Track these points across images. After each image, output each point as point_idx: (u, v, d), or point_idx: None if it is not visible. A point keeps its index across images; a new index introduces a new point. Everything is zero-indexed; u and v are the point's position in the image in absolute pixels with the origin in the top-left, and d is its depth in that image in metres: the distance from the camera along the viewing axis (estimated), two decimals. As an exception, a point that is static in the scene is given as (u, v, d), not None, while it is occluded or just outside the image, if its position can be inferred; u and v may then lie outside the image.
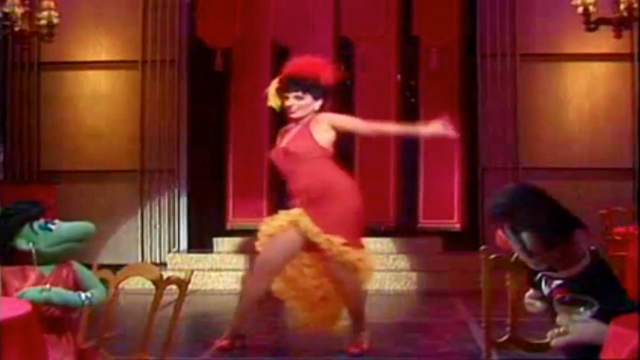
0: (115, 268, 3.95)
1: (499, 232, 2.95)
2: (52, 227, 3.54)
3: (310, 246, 5.76)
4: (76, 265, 3.64)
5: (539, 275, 3.03)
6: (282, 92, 5.76)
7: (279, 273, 5.79)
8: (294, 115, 5.70)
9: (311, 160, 5.71)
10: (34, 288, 3.44)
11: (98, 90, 10.31)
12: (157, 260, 9.79)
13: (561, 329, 2.60)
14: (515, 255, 3.69)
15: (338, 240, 5.68)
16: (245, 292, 6.01)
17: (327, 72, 5.86)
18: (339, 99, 10.42)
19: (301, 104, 5.66)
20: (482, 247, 3.96)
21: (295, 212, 5.75)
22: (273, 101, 5.84)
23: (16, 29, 9.11)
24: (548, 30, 9.73)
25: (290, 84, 5.68)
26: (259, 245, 5.82)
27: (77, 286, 3.59)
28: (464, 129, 10.09)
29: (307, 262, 5.85)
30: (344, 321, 6.03)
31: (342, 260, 5.71)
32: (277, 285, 5.85)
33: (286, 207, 10.29)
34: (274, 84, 5.91)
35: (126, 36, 10.26)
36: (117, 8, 10.23)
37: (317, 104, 5.73)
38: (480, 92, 9.89)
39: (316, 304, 5.91)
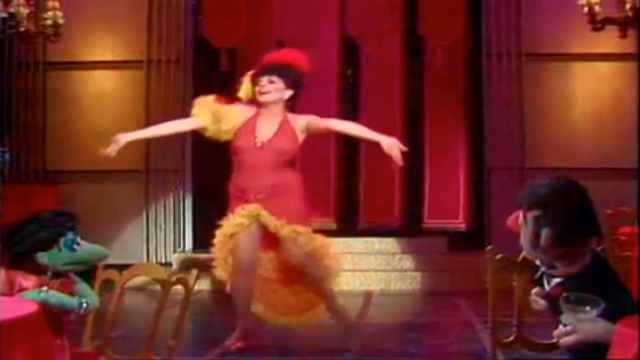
0: (121, 268, 3.96)
1: (518, 215, 2.94)
2: (77, 248, 3.58)
3: (268, 244, 5.74)
4: (71, 274, 3.67)
5: (540, 272, 3.03)
6: (256, 78, 5.72)
7: (255, 268, 5.76)
8: (263, 97, 5.66)
9: (289, 158, 5.78)
10: (33, 288, 3.46)
11: (103, 90, 10.32)
12: (163, 260, 9.80)
13: (568, 328, 2.59)
14: (522, 255, 3.69)
15: (303, 228, 5.70)
16: (234, 295, 5.96)
17: (301, 62, 5.86)
18: (345, 98, 10.48)
19: (273, 87, 5.65)
20: (488, 247, 3.95)
21: (253, 207, 5.69)
22: (244, 90, 5.82)
23: (22, 29, 9.11)
24: (554, 29, 9.72)
25: (265, 69, 5.70)
26: (217, 244, 5.77)
27: (73, 294, 3.62)
28: (470, 128, 10.13)
29: (268, 266, 5.83)
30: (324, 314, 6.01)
31: (310, 248, 5.70)
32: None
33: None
34: (249, 74, 5.90)
35: (131, 36, 10.26)
36: (123, 8, 10.23)
37: (288, 92, 5.74)
38: (486, 92, 9.88)
39: (288, 306, 5.90)
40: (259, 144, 5.67)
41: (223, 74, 10.18)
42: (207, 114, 5.82)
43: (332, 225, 10.11)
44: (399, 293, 8.93)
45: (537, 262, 3.03)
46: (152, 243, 10.04)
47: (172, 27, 10.16)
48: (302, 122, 5.76)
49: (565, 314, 2.60)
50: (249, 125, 5.74)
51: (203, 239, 10.15)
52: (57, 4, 9.22)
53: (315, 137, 10.06)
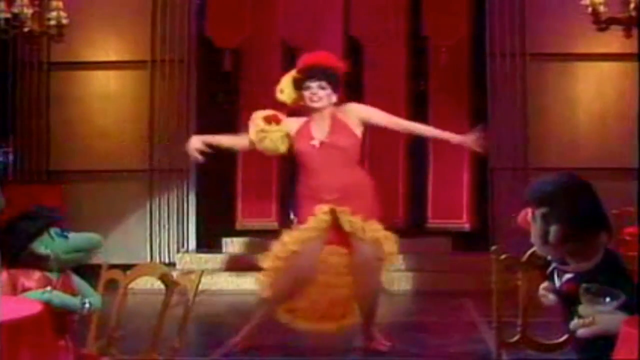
0: (124, 268, 3.96)
1: (527, 212, 2.95)
2: (67, 234, 3.60)
3: (340, 244, 5.69)
4: (72, 275, 3.68)
5: (552, 267, 3.03)
6: (301, 82, 5.67)
7: (299, 292, 5.76)
8: (316, 104, 5.63)
9: (353, 155, 5.72)
10: (36, 288, 3.47)
11: (107, 90, 10.32)
12: (166, 260, 9.80)
13: (587, 320, 2.58)
14: (526, 254, 3.69)
15: (384, 232, 5.82)
16: (266, 303, 5.93)
17: (342, 65, 5.87)
18: (348, 99, 10.46)
19: (325, 93, 5.62)
20: (493, 247, 3.96)
21: (328, 209, 5.65)
22: (287, 94, 5.77)
23: (25, 29, 9.11)
24: (558, 29, 9.70)
25: (313, 73, 5.63)
26: (277, 253, 5.74)
27: (74, 294, 3.63)
28: (473, 128, 10.10)
29: (330, 270, 5.81)
30: (353, 319, 6.00)
31: (382, 254, 5.74)
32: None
33: (294, 208, 10.49)
34: (290, 75, 5.84)
35: (135, 36, 10.26)
36: (127, 8, 10.23)
37: (335, 96, 5.70)
38: (490, 92, 9.87)
39: (329, 311, 5.88)
40: (317, 145, 5.65)
41: (227, 74, 10.18)
42: (253, 130, 5.83)
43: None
44: (402, 293, 8.91)
45: (549, 257, 3.04)
46: (156, 243, 10.04)
47: (176, 27, 10.16)
48: (353, 115, 5.72)
49: (583, 306, 2.60)
50: (305, 130, 5.74)
51: (207, 239, 10.23)
52: (60, 4, 9.22)
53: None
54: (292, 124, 5.84)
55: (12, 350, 2.80)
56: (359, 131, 5.75)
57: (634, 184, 9.09)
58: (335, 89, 5.70)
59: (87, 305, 3.61)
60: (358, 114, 5.77)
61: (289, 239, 5.70)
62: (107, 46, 10.34)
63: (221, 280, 9.35)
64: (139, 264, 4.15)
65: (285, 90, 5.81)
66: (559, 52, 9.81)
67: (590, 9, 8.14)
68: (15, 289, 3.50)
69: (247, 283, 9.09)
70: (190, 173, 10.19)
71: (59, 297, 3.51)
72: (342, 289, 5.85)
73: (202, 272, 3.97)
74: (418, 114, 10.23)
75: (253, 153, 10.14)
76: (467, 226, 9.97)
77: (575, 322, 2.62)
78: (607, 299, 2.55)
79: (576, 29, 9.37)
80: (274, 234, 9.95)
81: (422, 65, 10.29)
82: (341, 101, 6.00)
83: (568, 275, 2.91)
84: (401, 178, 10.15)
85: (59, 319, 3.50)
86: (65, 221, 3.78)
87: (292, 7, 10.24)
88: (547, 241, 2.86)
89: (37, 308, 3.01)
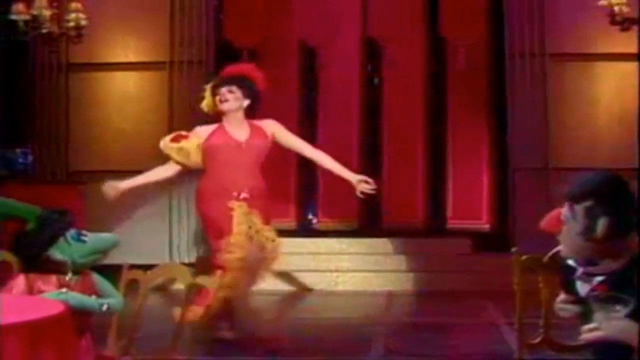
0: (145, 268, 3.96)
1: (557, 213, 2.91)
2: (85, 238, 3.59)
3: None
4: (94, 275, 3.67)
5: (576, 274, 2.99)
6: (215, 89, 6.03)
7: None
8: (223, 106, 5.96)
9: (263, 160, 6.06)
10: (53, 291, 3.47)
11: (126, 92, 10.34)
12: (186, 261, 9.79)
13: (592, 325, 2.56)
14: (548, 255, 3.65)
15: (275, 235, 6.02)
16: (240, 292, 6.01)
17: (257, 75, 6.21)
18: (367, 99, 10.46)
19: (233, 96, 5.95)
20: (514, 248, 3.92)
21: (243, 205, 5.80)
22: (206, 102, 6.14)
23: (44, 30, 9.17)
24: (577, 29, 9.65)
25: (224, 81, 6.04)
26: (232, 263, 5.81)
27: (97, 294, 3.62)
28: (493, 129, 10.08)
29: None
30: None
31: (274, 257, 5.97)
32: None
33: (313, 209, 10.52)
34: (209, 87, 6.14)
35: (154, 37, 10.28)
36: (145, 10, 10.25)
37: (246, 102, 6.01)
38: (509, 92, 9.82)
39: None
40: (242, 144, 5.93)
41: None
42: (175, 153, 6.03)
43: (355, 225, 10.12)
44: (422, 294, 8.90)
45: (572, 263, 2.98)
46: (176, 243, 10.04)
47: (194, 28, 10.17)
48: (267, 128, 6.08)
49: (596, 312, 2.58)
50: (220, 131, 6.02)
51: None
52: (79, 6, 9.27)
53: (337, 137, 10.20)
54: (202, 131, 6.11)
55: (34, 350, 2.78)
56: (270, 140, 6.07)
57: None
58: (246, 95, 6.01)
59: (105, 306, 3.60)
60: (272, 127, 6.12)
61: (234, 246, 5.79)
62: (126, 47, 10.36)
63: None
64: (160, 265, 4.15)
65: (205, 98, 6.09)
66: (579, 52, 9.76)
67: (609, 10, 8.09)
68: (31, 293, 3.50)
69: (265, 283, 9.13)
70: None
71: (75, 298, 3.51)
72: None
73: (222, 273, 3.98)
74: (437, 115, 10.26)
75: (269, 154, 10.29)
76: (487, 227, 9.94)
77: (582, 328, 2.60)
78: (617, 307, 2.54)
79: (596, 28, 9.32)
80: (292, 234, 10.10)
81: (441, 66, 10.26)
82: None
83: (599, 278, 2.87)
84: (420, 179, 10.14)
85: (80, 320, 3.50)
86: (84, 222, 3.78)
87: (309, 8, 10.24)
88: (591, 237, 2.82)
89: (58, 308, 3.01)
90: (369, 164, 10.35)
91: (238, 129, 5.97)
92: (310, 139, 10.47)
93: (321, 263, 9.53)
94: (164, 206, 10.12)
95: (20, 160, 10.34)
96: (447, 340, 6.63)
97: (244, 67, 6.41)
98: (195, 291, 4.22)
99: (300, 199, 10.33)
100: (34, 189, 9.02)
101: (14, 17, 9.03)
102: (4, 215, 4.78)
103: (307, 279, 9.30)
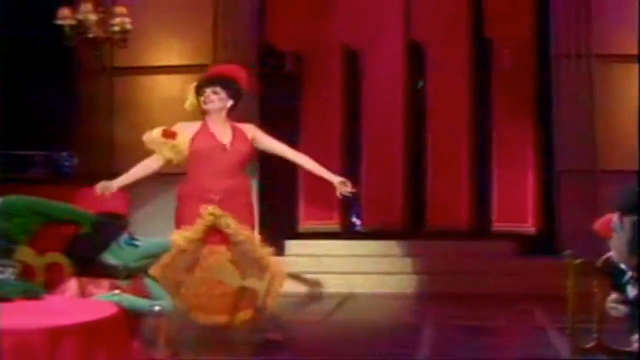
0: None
1: (609, 218, 2.89)
2: (137, 243, 3.61)
3: (218, 242, 5.86)
4: (145, 278, 3.68)
5: (625, 277, 2.96)
6: (199, 89, 6.13)
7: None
8: (207, 106, 6.05)
9: (247, 162, 6.20)
10: (105, 293, 3.48)
11: (170, 95, 10.36)
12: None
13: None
14: (601, 260, 3.61)
15: (255, 235, 6.10)
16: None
17: (243, 76, 6.26)
18: (411, 102, 10.41)
19: (217, 97, 6.05)
20: (567, 252, 3.89)
21: (213, 210, 5.84)
22: (190, 101, 6.21)
23: (90, 35, 9.24)
24: (624, 30, 9.52)
25: (208, 81, 6.13)
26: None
27: (148, 297, 3.63)
28: (539, 131, 9.99)
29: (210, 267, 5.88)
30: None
31: (257, 255, 5.93)
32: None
33: (357, 212, 10.50)
34: (192, 86, 6.22)
35: (197, 40, 10.32)
36: (188, 13, 10.29)
37: (230, 102, 6.10)
38: (555, 94, 9.72)
39: (216, 308, 5.86)
40: (226, 146, 6.01)
41: (289, 77, 10.20)
42: (167, 149, 6.06)
43: (399, 228, 10.09)
44: (467, 296, 8.82)
45: (623, 266, 2.97)
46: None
47: (237, 30, 10.20)
48: (248, 132, 6.18)
49: None
50: (205, 132, 6.08)
51: (269, 242, 10.22)
52: (124, 10, 9.34)
53: (381, 139, 10.17)
54: (186, 129, 6.16)
55: (89, 351, 2.83)
56: (250, 145, 6.16)
57: None
58: (230, 96, 6.10)
59: (156, 308, 3.61)
60: (252, 131, 6.22)
61: (179, 238, 5.81)
62: (170, 51, 10.41)
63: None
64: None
65: (189, 98, 6.11)
66: (626, 52, 9.63)
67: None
68: (83, 296, 3.52)
69: (309, 285, 9.14)
70: (252, 175, 10.20)
71: (128, 300, 3.53)
72: (225, 285, 5.87)
73: (272, 275, 3.97)
74: (482, 117, 10.19)
75: (316, 156, 10.27)
76: (532, 229, 9.85)
77: (634, 335, 2.57)
78: None
79: (643, 29, 9.20)
80: (336, 236, 10.09)
81: (486, 67, 10.18)
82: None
83: None
84: (465, 181, 10.08)
85: (131, 321, 3.51)
86: (130, 225, 3.79)
87: (352, 10, 10.22)
88: (637, 249, 2.79)
89: (112, 310, 3.05)
90: (414, 166, 10.33)
91: (222, 131, 6.06)
92: (354, 141, 10.52)
93: (365, 265, 9.50)
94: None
95: (66, 163, 10.44)
96: (493, 344, 6.56)
97: (228, 68, 6.48)
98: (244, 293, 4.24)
99: (344, 201, 10.29)
100: (79, 191, 9.09)
101: (59, 22, 9.13)
102: (55, 218, 4.81)
103: (351, 281, 9.27)
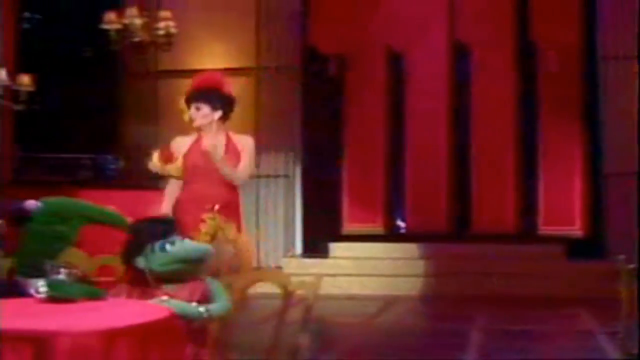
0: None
1: None
2: (169, 248, 3.60)
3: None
4: (207, 280, 3.66)
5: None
6: (190, 102, 5.97)
7: None
8: (195, 123, 5.94)
9: None
10: (152, 299, 3.49)
11: (214, 98, 10.41)
12: (272, 265, 9.84)
13: None
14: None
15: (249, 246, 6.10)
16: None
17: (222, 84, 6.08)
18: (455, 105, 10.35)
19: (200, 113, 5.91)
20: (620, 257, 3.84)
21: (214, 217, 5.84)
22: (186, 115, 6.04)
23: (135, 39, 9.31)
24: (672, 31, 9.39)
25: (190, 97, 5.97)
26: None
27: (207, 300, 3.61)
28: (586, 133, 9.88)
29: None
30: None
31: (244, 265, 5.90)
32: None
33: (401, 214, 10.47)
34: (182, 99, 6.12)
35: (241, 44, 10.35)
36: (232, 16, 10.32)
37: (217, 114, 5.92)
38: (602, 96, 9.61)
39: None
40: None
41: (332, 80, 10.19)
42: (170, 171, 6.09)
43: (444, 230, 10.03)
44: (513, 300, 8.74)
45: None
46: (262, 248, 10.08)
47: (280, 34, 10.22)
48: (240, 143, 5.98)
49: None
50: (197, 144, 5.97)
51: (313, 244, 10.25)
52: (169, 14, 9.40)
53: (425, 142, 10.12)
54: (181, 143, 6.02)
55: (143, 352, 2.81)
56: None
57: None
58: (216, 108, 5.91)
59: (205, 314, 3.59)
60: (244, 144, 5.95)
61: None
62: (214, 53, 10.44)
63: (327, 285, 9.30)
64: (259, 269, 4.16)
65: (183, 111, 6.11)
66: (675, 54, 9.49)
67: None
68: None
69: (353, 287, 9.13)
70: (296, 179, 10.23)
71: (177, 305, 3.52)
72: None
73: (321, 277, 3.95)
74: (527, 120, 10.09)
75: (360, 159, 10.30)
76: (580, 233, 9.74)
77: None
78: None
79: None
80: (380, 239, 10.06)
81: (531, 68, 10.08)
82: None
83: None
84: (511, 184, 10.00)
85: (183, 325, 3.51)
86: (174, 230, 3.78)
87: (395, 12, 10.18)
88: None
89: (166, 312, 3.04)
90: (458, 169, 10.26)
91: (215, 142, 5.91)
92: (398, 144, 10.49)
93: (409, 268, 9.46)
94: (250, 212, 10.15)
95: (111, 166, 10.53)
96: (541, 348, 6.49)
97: (211, 78, 6.23)
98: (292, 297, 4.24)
99: (389, 204, 10.29)
100: (124, 194, 9.16)
101: (105, 26, 9.20)
102: (95, 221, 4.85)
103: (395, 284, 9.23)
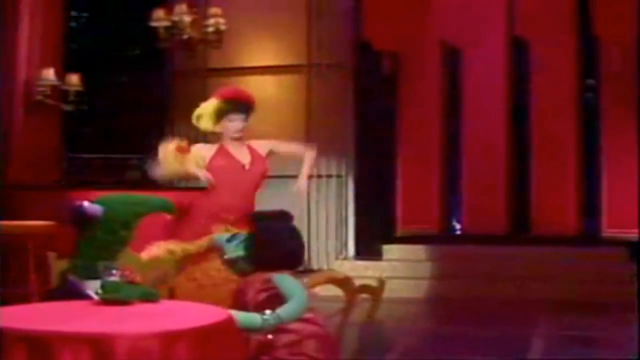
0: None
1: None
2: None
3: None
4: (275, 277, 3.48)
5: None
6: (226, 113, 5.88)
7: None
8: (237, 135, 5.87)
9: (260, 185, 5.93)
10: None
11: (264, 95, 10.22)
12: (324, 267, 9.70)
13: None
14: None
15: None
16: None
17: (253, 97, 6.06)
18: (514, 103, 10.12)
19: (238, 126, 5.88)
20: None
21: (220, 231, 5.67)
22: (205, 121, 5.92)
23: (184, 36, 9.22)
24: None
25: (240, 107, 5.89)
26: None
27: (280, 300, 3.44)
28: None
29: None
30: None
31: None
32: None
33: (457, 215, 10.28)
34: (212, 104, 5.88)
35: (292, 40, 10.25)
36: (282, 13, 10.23)
37: (246, 126, 5.96)
38: (667, 94, 9.32)
39: None
40: (245, 166, 5.83)
41: (385, 77, 10.03)
42: (192, 160, 5.94)
43: (502, 231, 9.83)
44: (575, 304, 8.50)
45: None
46: (314, 249, 9.94)
47: (332, 30, 10.09)
48: (264, 148, 5.95)
49: None
50: (223, 153, 5.89)
51: (366, 246, 10.09)
52: (219, 11, 9.31)
53: (483, 141, 9.90)
54: (203, 149, 5.94)
55: (201, 355, 2.80)
56: (267, 162, 5.97)
57: None
58: (246, 120, 5.91)
59: (269, 324, 3.39)
60: (267, 147, 5.94)
61: (178, 248, 5.61)
62: (264, 51, 10.36)
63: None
64: (321, 271, 4.00)
65: (204, 117, 5.89)
66: None
67: None
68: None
69: (406, 290, 8.92)
70: (348, 179, 10.09)
71: (239, 316, 3.36)
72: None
73: (385, 280, 3.84)
74: (589, 118, 9.84)
75: (414, 159, 10.12)
76: (646, 236, 9.47)
77: None
78: None
79: None
80: (435, 240, 9.87)
81: (594, 66, 9.85)
82: None
83: None
84: (572, 185, 9.78)
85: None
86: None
87: (451, 6, 10.01)
88: None
89: (224, 314, 3.02)
90: (517, 169, 10.09)
91: (240, 152, 5.90)
92: (454, 143, 10.30)
93: (465, 270, 9.27)
94: (301, 212, 10.00)
95: (159, 165, 10.43)
96: (603, 356, 6.31)
97: (245, 91, 6.20)
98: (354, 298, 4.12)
99: (444, 204, 10.10)
100: (171, 194, 9.04)
101: (154, 24, 9.12)
102: (147, 211, 4.75)
103: (451, 285, 9.03)
